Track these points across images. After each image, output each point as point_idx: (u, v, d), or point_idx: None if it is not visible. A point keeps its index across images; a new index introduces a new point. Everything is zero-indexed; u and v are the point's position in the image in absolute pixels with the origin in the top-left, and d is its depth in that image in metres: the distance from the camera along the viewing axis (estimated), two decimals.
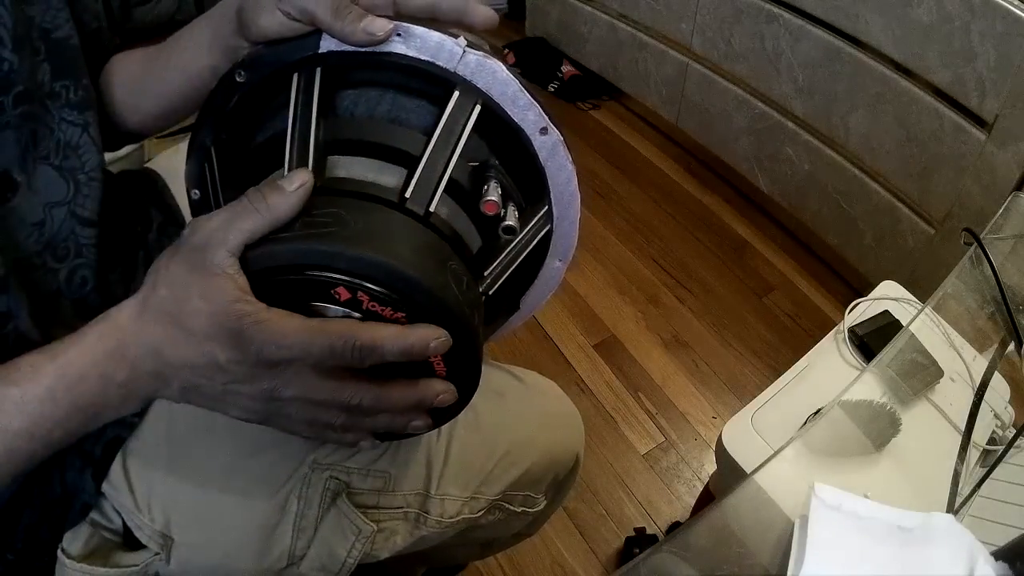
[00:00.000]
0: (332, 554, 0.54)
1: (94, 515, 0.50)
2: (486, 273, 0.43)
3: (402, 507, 0.57)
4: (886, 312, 0.84)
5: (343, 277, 0.34)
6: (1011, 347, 0.61)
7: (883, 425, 0.54)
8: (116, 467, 0.50)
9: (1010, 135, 1.11)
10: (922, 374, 0.59)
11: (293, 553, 0.53)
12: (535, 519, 0.72)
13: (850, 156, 1.44)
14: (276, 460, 0.52)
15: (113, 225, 0.52)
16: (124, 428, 0.50)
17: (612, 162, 1.98)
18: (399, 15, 0.40)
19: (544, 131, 0.41)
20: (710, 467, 1.28)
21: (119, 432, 0.50)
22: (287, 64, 0.40)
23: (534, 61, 2.26)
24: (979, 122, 1.16)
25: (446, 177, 0.39)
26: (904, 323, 0.78)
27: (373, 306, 0.35)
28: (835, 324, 0.87)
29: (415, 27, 0.39)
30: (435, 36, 0.39)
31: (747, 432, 0.77)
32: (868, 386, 0.56)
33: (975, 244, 0.65)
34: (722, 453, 0.77)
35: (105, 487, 0.50)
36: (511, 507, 0.65)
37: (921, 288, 0.87)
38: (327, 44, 0.39)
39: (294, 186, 0.36)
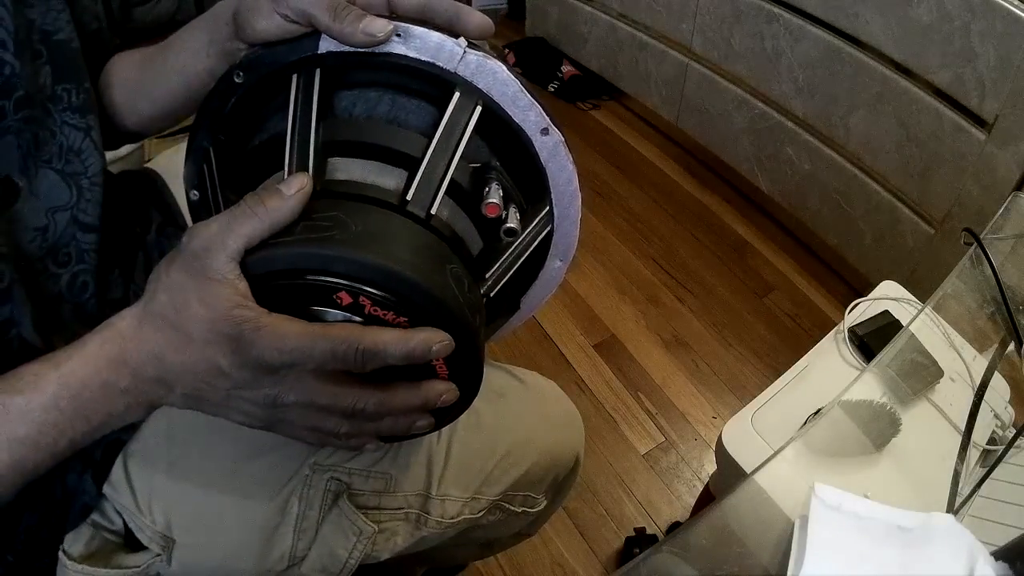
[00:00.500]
0: (333, 555, 0.54)
1: (95, 516, 0.50)
2: (487, 275, 0.43)
3: (403, 508, 0.57)
4: (886, 312, 0.84)
5: (345, 282, 0.34)
6: (1011, 347, 0.61)
7: (883, 425, 0.54)
8: (117, 468, 0.50)
9: (1010, 135, 1.11)
10: (922, 374, 0.59)
11: (294, 554, 0.53)
12: (535, 519, 0.72)
13: (850, 156, 1.44)
14: (277, 462, 0.52)
15: (113, 228, 0.52)
16: (125, 430, 0.50)
17: (612, 162, 1.98)
18: (393, 16, 0.40)
19: (545, 132, 0.41)
20: (710, 467, 1.28)
21: (120, 434, 0.50)
22: (285, 65, 0.40)
23: (534, 61, 2.26)
24: (979, 122, 1.16)
25: (447, 179, 0.39)
26: (904, 323, 0.78)
27: (375, 310, 0.34)
28: (835, 324, 0.87)
29: (414, 27, 0.39)
30: (435, 36, 0.39)
31: (747, 432, 0.77)
32: (868, 386, 0.56)
33: (975, 244, 0.65)
34: (722, 453, 0.77)
35: (106, 488, 0.50)
36: (511, 507, 0.65)
37: (921, 288, 0.87)
38: (326, 45, 0.39)
39: (292, 190, 0.35)
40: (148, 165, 0.72)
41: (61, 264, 0.47)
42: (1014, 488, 0.50)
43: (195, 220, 0.49)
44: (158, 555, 0.50)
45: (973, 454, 0.53)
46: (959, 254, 0.67)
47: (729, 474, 0.78)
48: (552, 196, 0.44)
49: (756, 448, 0.75)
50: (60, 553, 0.48)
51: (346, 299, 0.34)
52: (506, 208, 0.41)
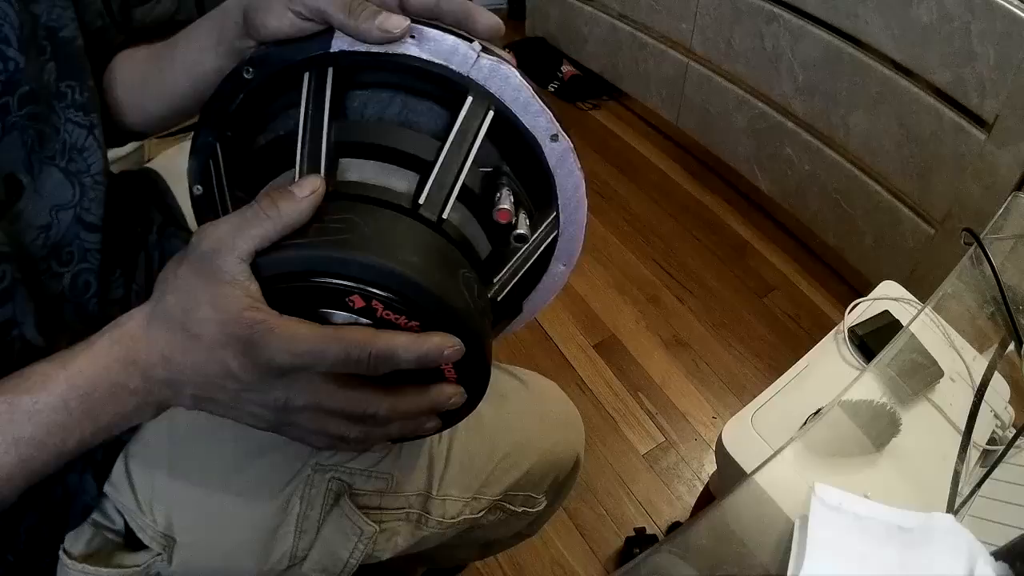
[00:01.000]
0: (334, 555, 0.54)
1: (96, 516, 0.50)
2: (495, 280, 0.43)
3: (404, 508, 0.57)
4: (886, 312, 0.84)
5: (360, 285, 0.33)
6: (1011, 347, 0.61)
7: (883, 425, 0.54)
8: (118, 468, 0.50)
9: (1010, 135, 1.11)
10: (922, 374, 0.59)
11: (295, 554, 0.53)
12: (535, 519, 0.72)
13: (850, 156, 1.44)
14: (278, 461, 0.52)
15: (116, 228, 0.52)
16: (126, 430, 0.50)
17: (612, 162, 1.98)
18: (403, 14, 0.40)
19: (554, 138, 0.41)
20: (710, 467, 1.28)
21: (121, 434, 0.50)
22: (297, 63, 0.40)
23: (534, 61, 2.26)
24: (979, 122, 1.16)
25: (459, 184, 0.39)
26: (904, 323, 0.78)
27: (387, 314, 0.34)
28: (835, 324, 0.87)
29: (428, 29, 0.38)
30: (449, 39, 0.38)
31: (747, 432, 0.77)
32: (868, 386, 0.56)
33: (975, 244, 0.65)
34: (722, 453, 0.77)
35: (107, 488, 0.50)
36: (512, 508, 0.65)
37: (921, 288, 0.87)
38: (338, 43, 0.39)
39: (305, 193, 0.35)
40: (148, 165, 0.72)
41: (64, 263, 0.47)
42: (1014, 488, 0.50)
43: (197, 215, 0.48)
44: (159, 555, 0.50)
45: (973, 454, 0.53)
46: (959, 254, 0.67)
47: (729, 474, 0.78)
48: (559, 202, 0.44)
49: (756, 448, 0.75)
50: (61, 552, 0.48)
51: (359, 302, 0.34)
52: (516, 214, 0.41)
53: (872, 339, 0.81)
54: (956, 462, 0.52)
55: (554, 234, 0.45)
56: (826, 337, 0.86)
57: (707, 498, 1.01)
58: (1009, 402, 0.60)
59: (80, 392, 0.35)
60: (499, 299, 0.43)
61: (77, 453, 0.37)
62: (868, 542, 0.43)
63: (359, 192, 0.38)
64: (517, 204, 0.41)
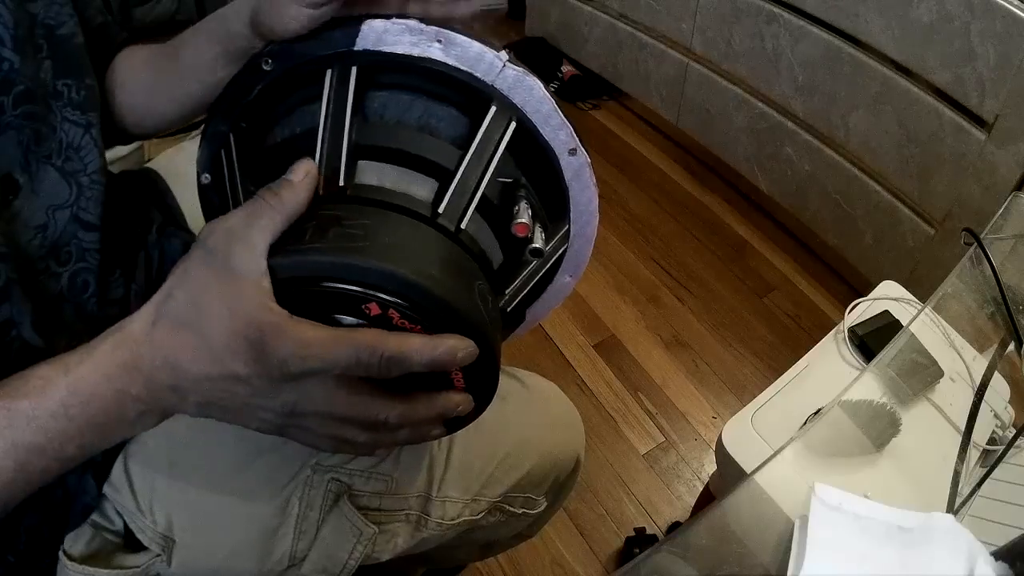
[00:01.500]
0: (333, 556, 0.54)
1: (95, 517, 0.50)
2: (507, 291, 0.42)
3: (403, 509, 0.57)
4: (886, 312, 0.84)
5: (379, 294, 0.33)
6: (1011, 347, 0.61)
7: (883, 425, 0.54)
8: (118, 469, 0.50)
9: (1010, 135, 1.11)
10: (922, 374, 0.59)
11: (294, 555, 0.53)
12: (535, 520, 0.72)
13: (850, 156, 1.44)
14: (278, 462, 0.52)
15: (115, 227, 0.52)
16: None
17: (612, 162, 1.98)
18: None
19: (573, 152, 0.41)
20: (710, 467, 1.28)
21: None
22: (318, 58, 0.39)
23: (534, 61, 2.26)
24: (979, 122, 1.16)
25: (479, 194, 0.38)
26: (904, 323, 0.78)
27: (403, 323, 0.34)
28: (835, 324, 0.87)
29: (457, 35, 0.38)
30: (476, 46, 0.38)
31: (747, 432, 0.77)
32: (868, 386, 0.56)
33: (975, 244, 0.65)
34: (722, 453, 0.77)
35: (106, 489, 0.50)
36: (512, 509, 0.65)
37: (921, 288, 0.87)
38: (363, 43, 0.38)
39: (300, 176, 0.35)
40: (148, 165, 0.72)
41: (62, 263, 0.47)
42: (1014, 488, 0.50)
43: (203, 203, 0.48)
44: (158, 555, 0.50)
45: (973, 454, 0.53)
46: (959, 254, 0.67)
47: (729, 474, 0.78)
48: (571, 215, 0.44)
49: (756, 448, 0.75)
50: (60, 553, 0.48)
51: (375, 310, 0.34)
52: (533, 228, 0.40)
53: (872, 339, 0.81)
54: (956, 462, 0.52)
55: (564, 247, 0.45)
56: (826, 337, 0.86)
57: (707, 498, 1.01)
58: (1009, 402, 0.60)
59: (81, 399, 0.34)
60: (508, 310, 0.43)
61: (79, 460, 0.36)
62: (868, 542, 0.43)
63: (379, 197, 0.38)
64: (534, 218, 0.41)
